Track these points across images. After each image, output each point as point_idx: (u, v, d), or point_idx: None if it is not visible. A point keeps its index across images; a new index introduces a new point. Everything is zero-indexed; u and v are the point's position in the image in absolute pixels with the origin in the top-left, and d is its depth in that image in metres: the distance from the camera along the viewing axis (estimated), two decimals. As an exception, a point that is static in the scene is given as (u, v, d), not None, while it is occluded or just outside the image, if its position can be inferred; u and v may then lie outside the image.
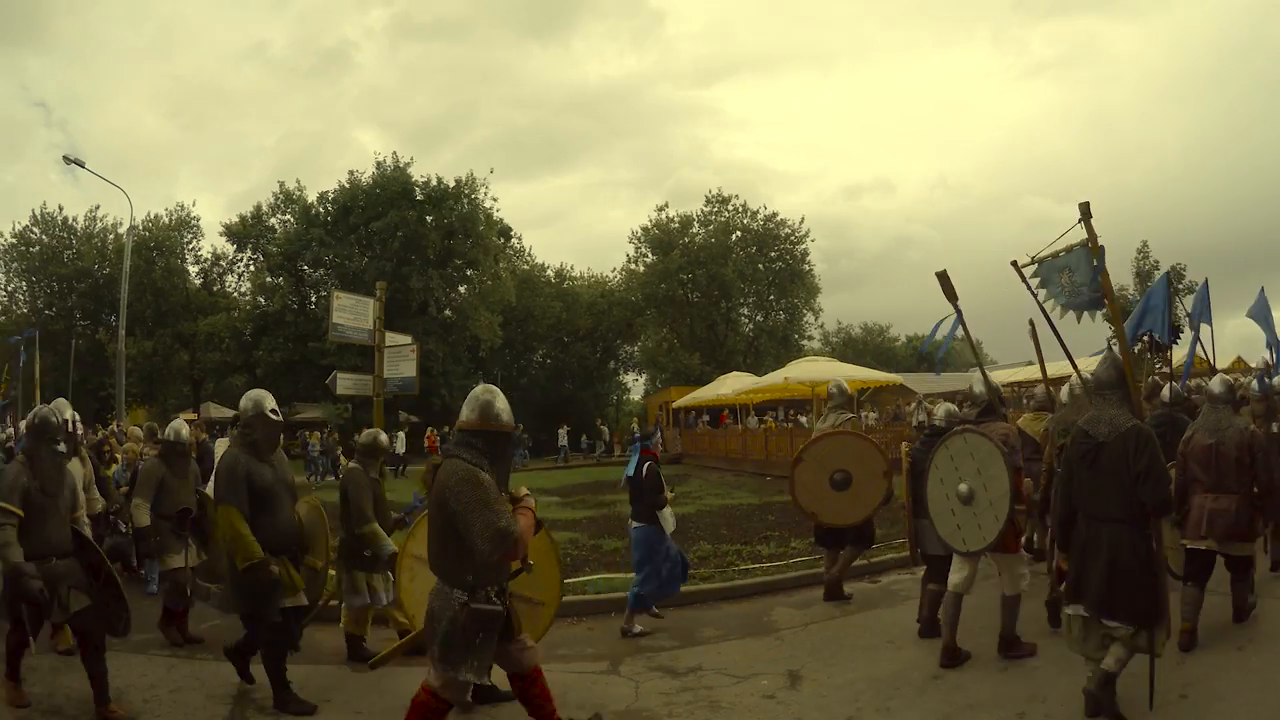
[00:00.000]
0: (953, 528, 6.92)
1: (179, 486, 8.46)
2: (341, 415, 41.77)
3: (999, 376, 41.23)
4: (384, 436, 8.47)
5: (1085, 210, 6.76)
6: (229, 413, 38.25)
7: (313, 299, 49.32)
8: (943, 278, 7.98)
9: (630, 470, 8.60)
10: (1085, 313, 7.04)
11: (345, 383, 12.43)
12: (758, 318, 58.78)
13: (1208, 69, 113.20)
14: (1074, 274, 6.99)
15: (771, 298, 57.86)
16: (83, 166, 30.82)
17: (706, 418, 41.49)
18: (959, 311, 8.19)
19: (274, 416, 6.51)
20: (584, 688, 5.97)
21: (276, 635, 6.33)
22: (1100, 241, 6.85)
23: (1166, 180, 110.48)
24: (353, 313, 11.88)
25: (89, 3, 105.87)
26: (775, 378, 28.39)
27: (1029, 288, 7.36)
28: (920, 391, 34.71)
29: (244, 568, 6.03)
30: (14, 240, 51.59)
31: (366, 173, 50.21)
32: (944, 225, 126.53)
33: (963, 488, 6.80)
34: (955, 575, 7.00)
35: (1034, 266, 7.31)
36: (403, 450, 35.15)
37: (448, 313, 49.60)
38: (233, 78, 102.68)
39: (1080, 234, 6.89)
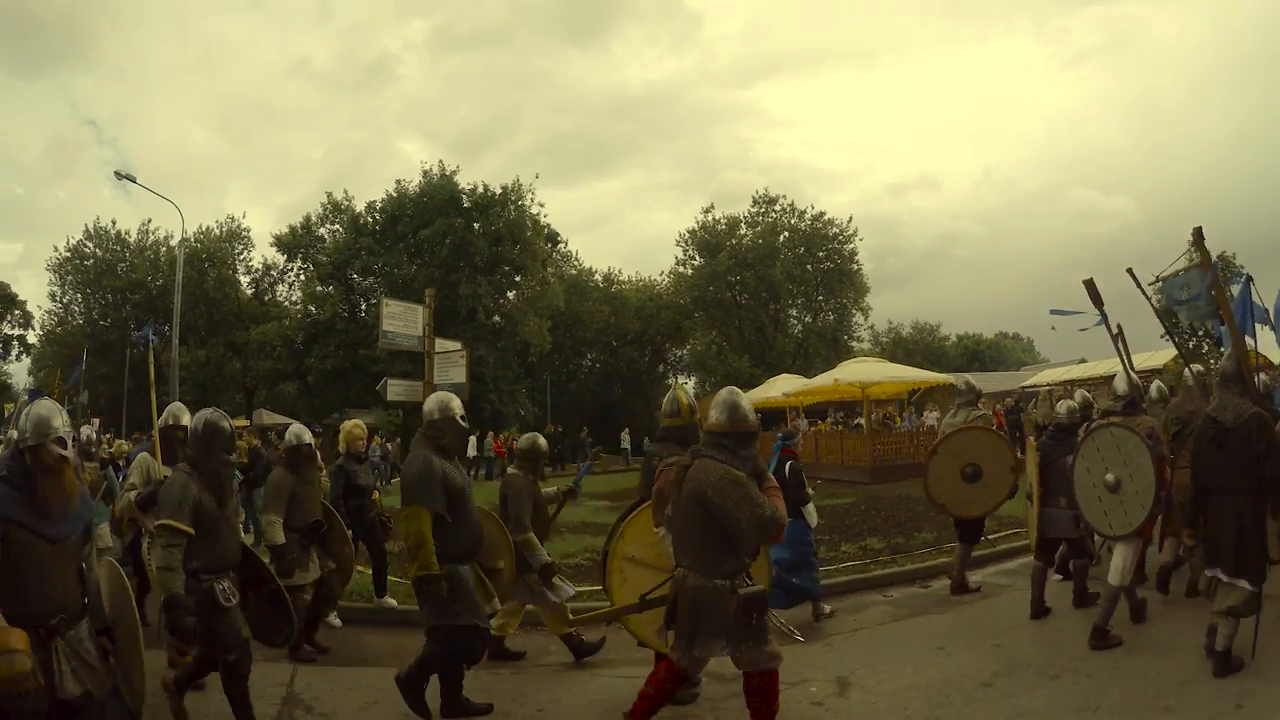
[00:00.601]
0: (1099, 514, 7.35)
1: (309, 496, 8.06)
2: (392, 421, 42.15)
3: (1050, 376, 40.93)
4: (543, 441, 8.29)
5: (1198, 235, 7.82)
6: (281, 420, 38.75)
7: (362, 307, 49.76)
8: (1089, 285, 8.65)
9: (771, 469, 8.62)
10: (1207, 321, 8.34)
11: (396, 389, 12.56)
12: (806, 319, 58.27)
13: (1256, 51, 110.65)
14: (1191, 289, 8.09)
15: (820, 298, 57.31)
16: (134, 181, 31.33)
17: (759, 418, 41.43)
18: (1104, 316, 8.81)
19: (463, 421, 6.42)
20: (632, 691, 5.94)
21: (468, 643, 6.22)
22: (1212, 258, 8.03)
23: (1216, 167, 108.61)
24: (402, 320, 12.01)
25: (134, 23, 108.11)
26: (825, 379, 28.21)
27: (1144, 294, 8.57)
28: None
29: (418, 576, 5.91)
30: (69, 254, 52.87)
31: (413, 182, 50.66)
32: (991, 221, 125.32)
33: (1110, 477, 7.22)
34: (1117, 560, 7.38)
35: (1158, 284, 8.48)
36: (484, 453, 35.43)
37: (497, 319, 49.80)
38: (278, 93, 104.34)
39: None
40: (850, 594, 9.89)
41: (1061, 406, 9.01)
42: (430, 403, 6.49)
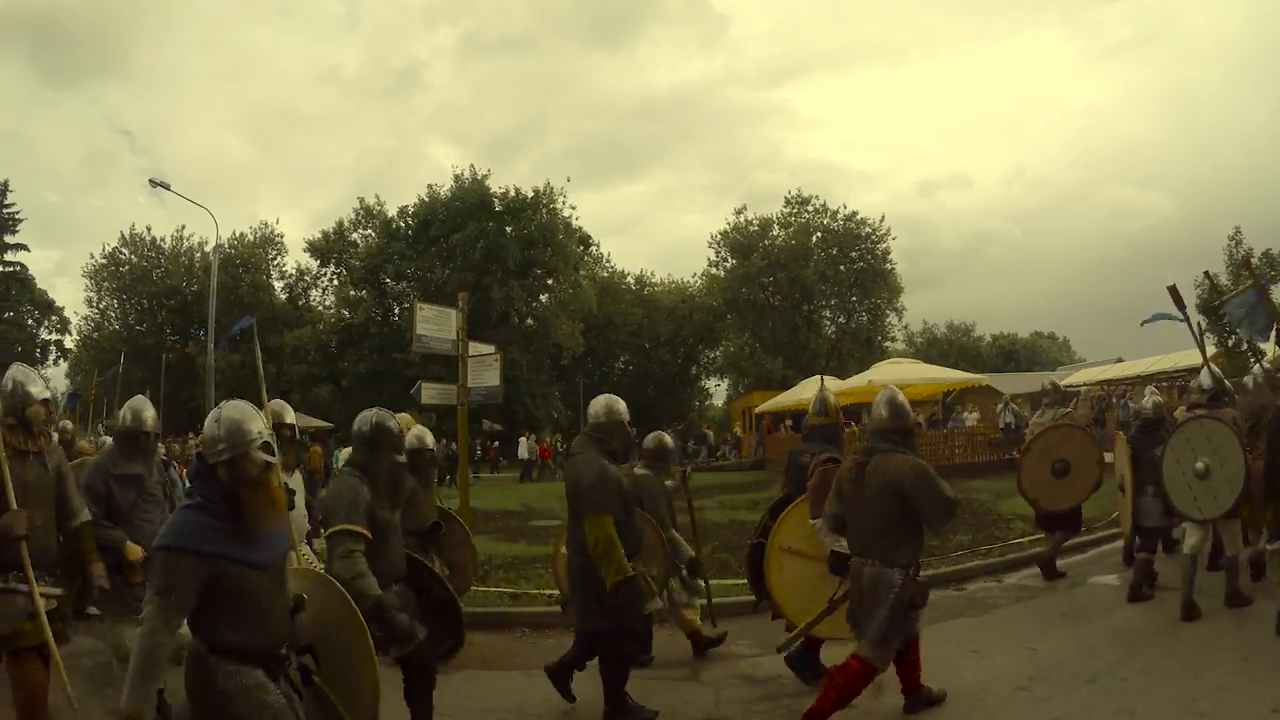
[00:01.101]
0: (1189, 500, 7.80)
1: (427, 499, 7.65)
2: (426, 424, 42.32)
3: (1087, 375, 40.60)
4: (669, 439, 8.33)
5: (1246, 261, 8.67)
6: (315, 423, 39.00)
7: (395, 311, 50.20)
8: (1173, 291, 9.41)
9: None
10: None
11: (430, 392, 12.57)
12: (840, 320, 58.12)
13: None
14: (1247, 308, 9.14)
15: (854, 299, 57.14)
16: (168, 189, 31.68)
17: (790, 422, 40.97)
18: (1187, 321, 9.48)
19: (630, 425, 6.47)
20: (665, 693, 5.98)
21: (634, 645, 6.30)
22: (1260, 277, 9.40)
23: (1253, 161, 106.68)
24: (436, 324, 12.02)
25: (165, 34, 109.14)
26: (859, 381, 28.08)
27: (1181, 310, 9.40)
28: (1007, 392, 34.09)
29: (615, 581, 5.75)
30: (105, 261, 54.13)
31: (445, 186, 51.20)
32: (1023, 219, 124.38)
33: (1199, 465, 7.68)
34: (1190, 540, 7.92)
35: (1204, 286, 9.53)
36: (531, 455, 35.55)
37: (529, 322, 50.07)
38: (308, 100, 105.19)
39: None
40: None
41: (1148, 402, 9.54)
42: (596, 406, 6.47)
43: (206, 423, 3.60)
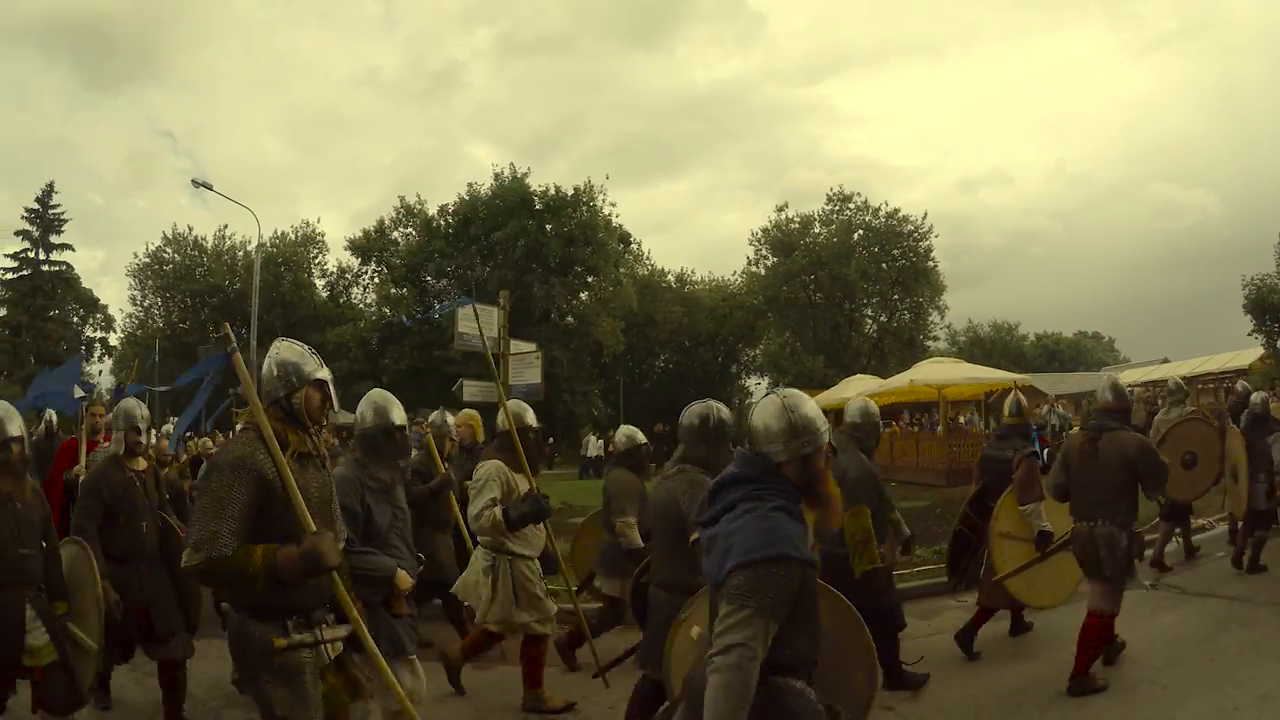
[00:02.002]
0: None
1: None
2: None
3: (1131, 376, 40.14)
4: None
5: None
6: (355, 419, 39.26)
7: (436, 309, 50.44)
8: None
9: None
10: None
11: (471, 389, 12.66)
12: (882, 318, 57.81)
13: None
14: None
15: (895, 297, 56.79)
16: (210, 189, 32.04)
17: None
18: None
19: (882, 425, 6.95)
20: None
21: (895, 618, 6.54)
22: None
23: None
24: (477, 321, 12.12)
25: (207, 40, 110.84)
26: (900, 380, 27.87)
27: None
28: (1051, 392, 33.80)
29: (866, 570, 6.11)
30: (148, 260, 55.16)
31: (485, 185, 51.43)
32: (1066, 217, 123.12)
33: None
34: None
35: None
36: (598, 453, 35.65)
37: (570, 320, 50.16)
38: (347, 103, 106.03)
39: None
40: (924, 599, 9.76)
41: (1256, 397, 10.27)
42: (852, 407, 6.94)
43: (761, 419, 3.30)
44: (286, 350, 4.06)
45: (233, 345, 3.72)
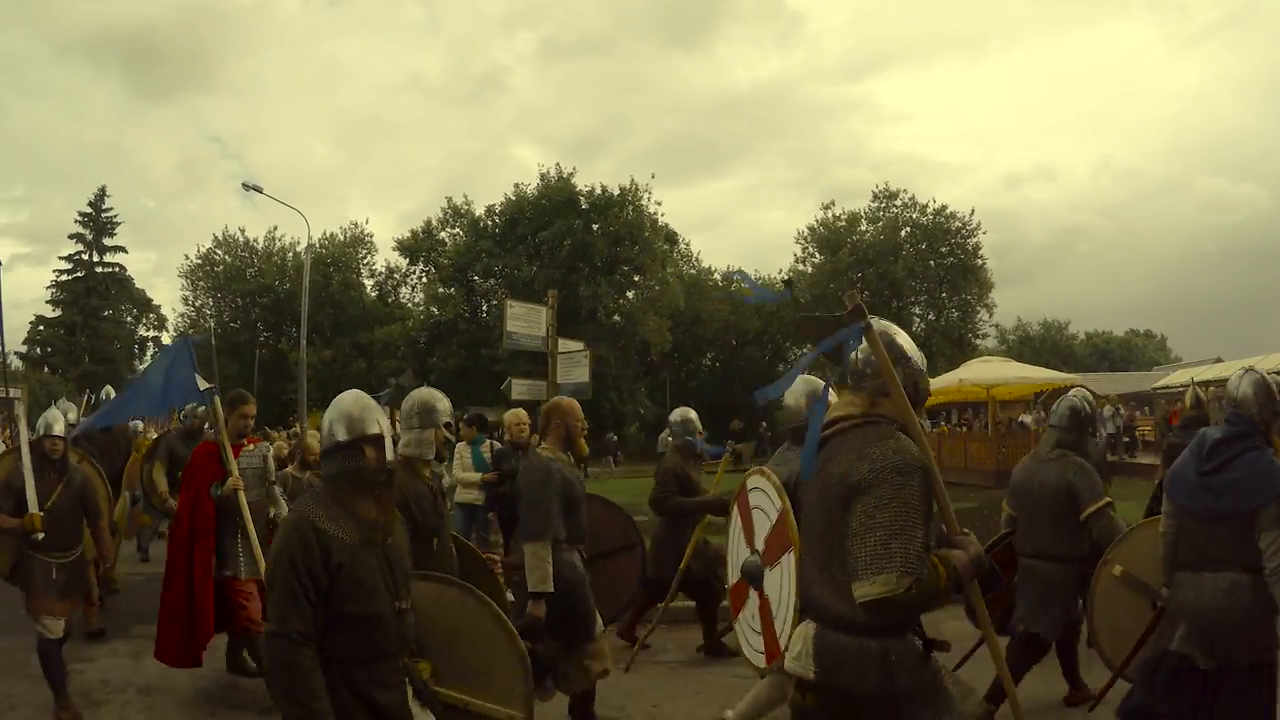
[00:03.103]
0: None
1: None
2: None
3: (1184, 375, 39.47)
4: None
5: None
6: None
7: (484, 308, 50.90)
8: None
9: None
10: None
11: (520, 388, 12.72)
12: (929, 317, 57.24)
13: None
14: None
15: (943, 295, 56.36)
16: (260, 192, 32.30)
17: None
18: None
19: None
20: (746, 690, 5.92)
21: None
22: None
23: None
24: (526, 321, 12.17)
25: (253, 49, 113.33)
26: (949, 380, 27.55)
27: None
28: (1101, 392, 33.32)
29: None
30: (200, 261, 56.21)
31: (531, 185, 51.74)
32: (1113, 213, 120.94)
33: None
34: None
35: None
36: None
37: (616, 318, 50.29)
38: (393, 107, 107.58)
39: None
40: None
41: None
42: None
43: (1241, 390, 4.64)
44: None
45: (866, 322, 3.08)
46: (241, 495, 6.50)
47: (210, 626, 6.48)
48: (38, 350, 58.36)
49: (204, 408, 9.27)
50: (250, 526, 6.50)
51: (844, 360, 3.28)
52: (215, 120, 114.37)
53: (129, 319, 62.46)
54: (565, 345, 12.56)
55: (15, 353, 56.79)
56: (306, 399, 30.94)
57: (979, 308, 56.41)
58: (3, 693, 6.71)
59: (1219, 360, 38.79)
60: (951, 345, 53.80)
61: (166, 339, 60.10)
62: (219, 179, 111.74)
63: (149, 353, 60.44)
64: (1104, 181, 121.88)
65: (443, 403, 5.07)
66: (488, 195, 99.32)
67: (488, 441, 10.74)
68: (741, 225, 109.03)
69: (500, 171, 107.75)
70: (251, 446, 7.05)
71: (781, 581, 4.56)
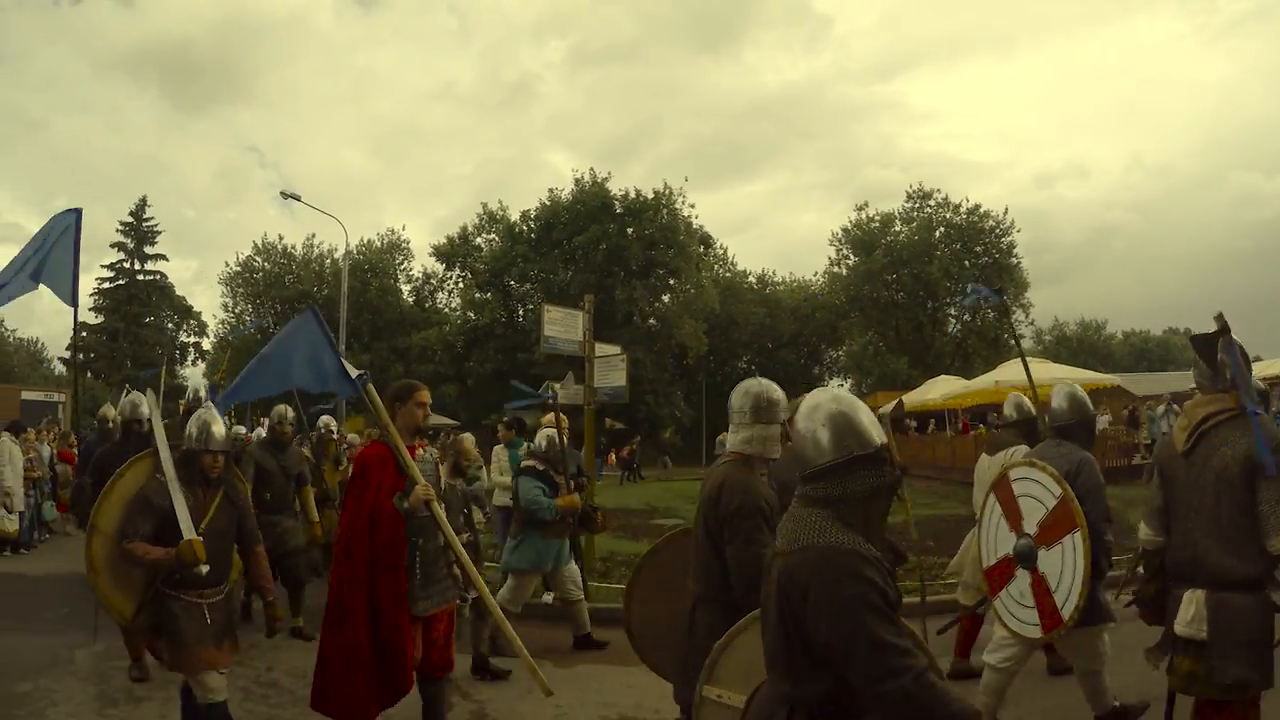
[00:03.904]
0: None
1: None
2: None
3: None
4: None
5: None
6: (442, 421, 39.96)
7: (520, 312, 51.24)
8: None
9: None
10: None
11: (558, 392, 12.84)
12: (965, 317, 56.59)
13: None
14: None
15: (979, 296, 55.32)
16: (299, 200, 32.59)
17: (914, 423, 40.11)
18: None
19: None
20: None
21: None
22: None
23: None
24: (563, 325, 12.27)
25: (289, 60, 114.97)
26: (985, 381, 27.48)
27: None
28: (1139, 393, 32.95)
29: None
30: (239, 268, 57.13)
31: (565, 190, 52.05)
32: (1146, 209, 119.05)
33: None
34: None
35: None
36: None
37: (652, 322, 50.43)
38: (426, 116, 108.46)
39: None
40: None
41: None
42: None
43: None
44: None
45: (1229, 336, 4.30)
46: (437, 506, 5.34)
47: (409, 677, 5.28)
48: (80, 356, 59.27)
49: (293, 413, 9.42)
50: (456, 543, 5.50)
51: (1224, 366, 4.21)
52: (252, 131, 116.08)
53: (170, 325, 63.50)
54: (602, 349, 12.65)
55: (59, 358, 58.33)
56: (345, 403, 31.23)
57: (1015, 307, 55.62)
58: (45, 689, 6.86)
59: (1258, 359, 38.25)
60: (987, 346, 53.38)
61: (206, 345, 60.92)
62: (257, 188, 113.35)
63: (189, 358, 61.55)
64: (1137, 178, 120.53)
65: (783, 397, 4.60)
66: (521, 201, 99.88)
67: (525, 445, 10.86)
68: (774, 228, 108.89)
69: (534, 176, 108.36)
70: (422, 451, 5.74)
71: (1064, 559, 5.18)
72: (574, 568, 8.60)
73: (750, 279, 60.48)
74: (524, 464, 8.67)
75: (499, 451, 11.01)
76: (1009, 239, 54.87)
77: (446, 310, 56.87)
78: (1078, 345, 73.84)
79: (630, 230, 49.58)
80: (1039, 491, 5.41)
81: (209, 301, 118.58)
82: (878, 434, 2.70)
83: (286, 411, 9.13)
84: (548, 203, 51.99)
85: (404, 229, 72.52)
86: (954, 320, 56.63)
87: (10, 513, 13.74)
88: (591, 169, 52.08)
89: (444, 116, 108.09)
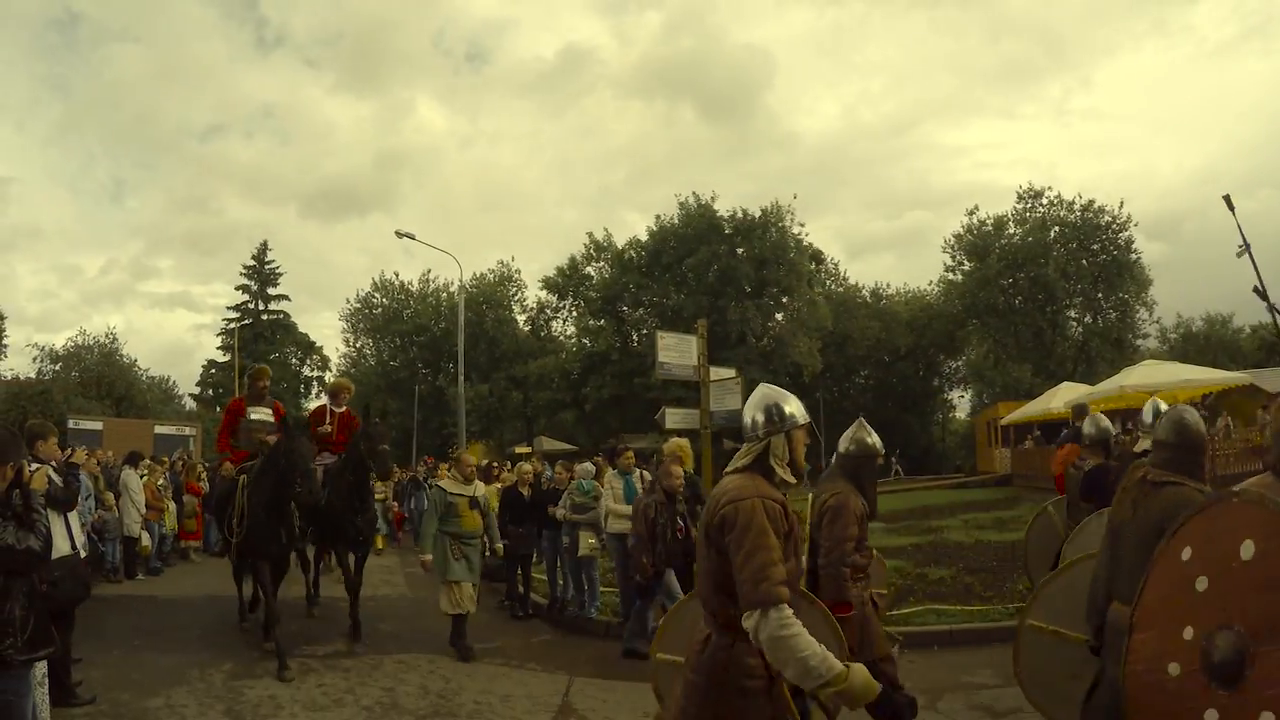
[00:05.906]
0: None
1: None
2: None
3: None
4: None
5: None
6: (561, 446, 40.58)
7: (634, 338, 51.72)
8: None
9: None
10: None
11: (674, 417, 13.01)
12: (1086, 319, 54.59)
13: None
14: None
15: (1099, 295, 53.28)
16: (414, 239, 33.40)
17: (1038, 433, 38.78)
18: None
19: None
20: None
21: None
22: None
23: None
24: (677, 350, 12.47)
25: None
26: (1110, 386, 26.66)
27: None
28: (1273, 390, 31.52)
29: None
30: (359, 305, 60.01)
31: (671, 215, 52.49)
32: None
33: None
34: None
35: None
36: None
37: (766, 341, 50.33)
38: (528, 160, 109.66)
39: None
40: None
41: None
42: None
43: None
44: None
45: None
46: None
47: None
48: (209, 392, 62.69)
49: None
50: None
51: None
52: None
53: (294, 360, 65.94)
54: (716, 373, 12.81)
55: (189, 394, 61.40)
56: (465, 431, 31.86)
57: (1137, 306, 53.81)
58: (176, 704, 7.19)
59: None
60: (1111, 348, 51.24)
61: (329, 378, 63.27)
62: (371, 229, 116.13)
63: (313, 391, 64.41)
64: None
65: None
66: (622, 230, 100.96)
67: (639, 471, 11.04)
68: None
69: (631, 211, 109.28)
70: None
71: None
72: None
73: (864, 293, 59.87)
74: None
75: (611, 478, 10.99)
76: (1126, 234, 52.38)
77: (561, 338, 57.98)
78: (1205, 342, 70.82)
79: (740, 250, 49.74)
80: None
81: (330, 337, 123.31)
82: None
83: None
84: (655, 229, 52.61)
85: (513, 260, 73.67)
86: (1075, 323, 54.79)
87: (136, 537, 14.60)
88: (694, 193, 51.88)
89: (540, 169, 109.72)
